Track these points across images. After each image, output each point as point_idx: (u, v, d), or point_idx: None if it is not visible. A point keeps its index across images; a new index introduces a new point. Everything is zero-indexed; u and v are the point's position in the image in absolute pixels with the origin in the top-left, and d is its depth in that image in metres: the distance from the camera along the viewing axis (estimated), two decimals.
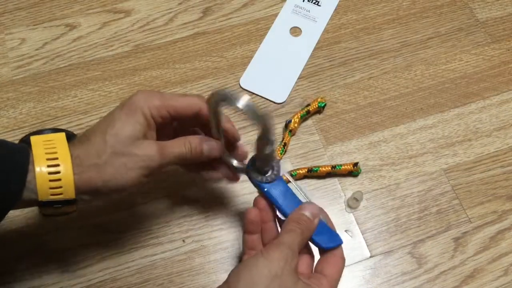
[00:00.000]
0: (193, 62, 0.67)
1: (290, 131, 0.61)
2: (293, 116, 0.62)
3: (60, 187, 0.40)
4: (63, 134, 0.42)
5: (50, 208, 0.41)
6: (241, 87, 0.65)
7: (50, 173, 0.39)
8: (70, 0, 0.70)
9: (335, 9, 0.71)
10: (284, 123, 0.62)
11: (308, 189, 0.59)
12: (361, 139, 0.62)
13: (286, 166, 0.57)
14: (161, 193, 0.59)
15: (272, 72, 0.66)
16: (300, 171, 0.59)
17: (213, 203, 0.58)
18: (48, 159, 0.39)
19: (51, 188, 0.39)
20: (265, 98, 0.65)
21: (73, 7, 0.70)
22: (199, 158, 0.46)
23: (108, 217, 0.57)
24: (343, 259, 0.46)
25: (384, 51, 0.68)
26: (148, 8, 0.70)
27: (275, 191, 0.47)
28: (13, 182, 0.38)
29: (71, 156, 0.40)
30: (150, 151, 0.43)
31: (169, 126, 0.48)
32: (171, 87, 0.65)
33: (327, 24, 0.70)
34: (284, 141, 0.61)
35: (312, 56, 0.68)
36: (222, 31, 0.69)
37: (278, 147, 0.60)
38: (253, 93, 0.65)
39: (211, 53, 0.67)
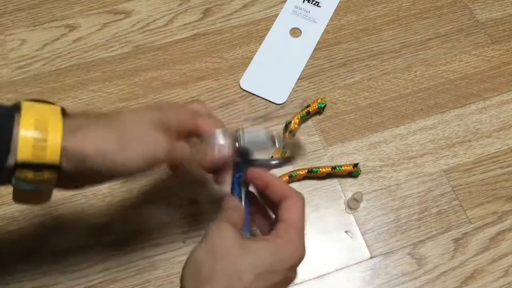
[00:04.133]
0: (193, 63, 0.67)
1: (290, 132, 0.61)
2: (293, 117, 0.62)
3: (44, 148, 0.36)
4: (58, 107, 0.39)
5: (28, 174, 0.36)
6: (241, 88, 0.65)
7: (35, 139, 0.36)
8: (70, 1, 0.70)
9: (335, 10, 0.71)
10: (284, 124, 0.62)
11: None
12: (361, 140, 0.62)
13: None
14: (161, 194, 0.59)
15: (272, 73, 0.66)
16: (300, 172, 0.59)
17: (214, 204, 0.58)
18: (36, 125, 0.36)
19: (34, 147, 0.36)
20: (265, 99, 0.65)
21: (73, 8, 0.70)
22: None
23: (108, 218, 0.57)
24: (301, 198, 0.42)
25: (384, 52, 0.68)
26: (148, 9, 0.70)
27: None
28: None
29: (64, 123, 0.38)
30: (161, 140, 0.41)
31: None
32: (171, 88, 0.65)
33: (327, 25, 0.70)
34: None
35: (312, 57, 0.68)
36: (222, 32, 0.69)
37: (278, 149, 0.60)
38: (253, 94, 0.65)
39: (211, 54, 0.67)
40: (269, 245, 0.40)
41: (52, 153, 0.36)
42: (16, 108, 0.37)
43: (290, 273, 0.41)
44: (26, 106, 0.38)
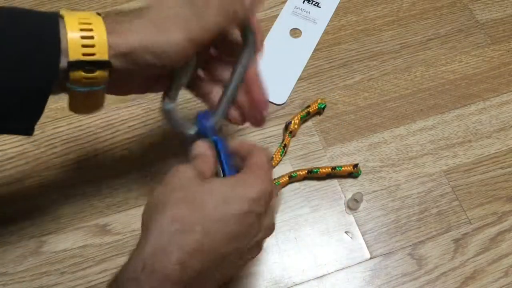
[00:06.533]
0: None
1: (290, 132, 0.61)
2: (293, 118, 0.62)
3: (93, 45, 0.37)
4: (93, 12, 0.40)
5: (80, 73, 0.37)
6: None
7: (82, 37, 0.37)
8: (71, 1, 0.70)
9: (335, 11, 0.71)
10: (284, 125, 0.62)
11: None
12: (361, 141, 0.63)
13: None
14: None
15: (272, 73, 0.66)
16: (300, 173, 0.59)
17: None
18: (81, 26, 0.37)
19: (83, 46, 0.37)
20: None
21: (73, 8, 0.70)
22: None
23: (109, 218, 0.57)
24: (266, 149, 0.44)
25: (384, 52, 0.68)
26: None
27: (222, 144, 0.44)
28: (47, 47, 0.37)
29: (105, 22, 0.38)
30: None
31: None
32: None
33: (327, 26, 0.70)
34: (284, 143, 0.61)
35: (312, 57, 0.68)
36: None
37: (278, 149, 0.60)
38: None
39: None
40: (231, 178, 0.40)
41: (100, 51, 0.37)
42: (57, 14, 0.38)
43: (257, 206, 0.38)
44: (65, 12, 0.38)
